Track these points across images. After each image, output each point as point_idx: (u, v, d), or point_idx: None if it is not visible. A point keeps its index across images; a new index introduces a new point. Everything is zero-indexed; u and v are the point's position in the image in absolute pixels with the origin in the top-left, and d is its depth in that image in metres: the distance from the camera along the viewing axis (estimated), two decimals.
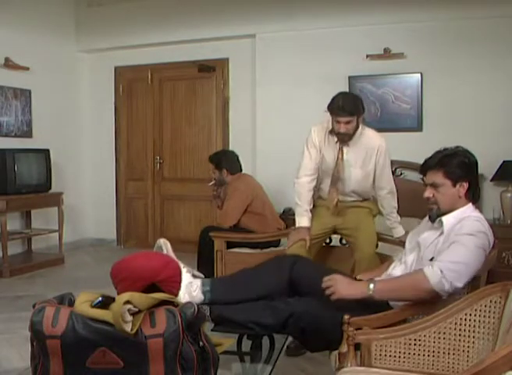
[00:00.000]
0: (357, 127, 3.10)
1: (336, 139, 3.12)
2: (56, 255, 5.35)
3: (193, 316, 1.56)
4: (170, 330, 1.52)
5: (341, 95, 3.08)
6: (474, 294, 1.87)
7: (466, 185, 2.11)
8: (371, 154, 3.13)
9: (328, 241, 3.38)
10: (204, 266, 3.83)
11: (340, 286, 1.99)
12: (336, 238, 3.39)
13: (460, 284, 1.95)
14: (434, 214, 2.16)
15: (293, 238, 3.13)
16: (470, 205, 2.14)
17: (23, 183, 4.98)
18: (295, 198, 3.24)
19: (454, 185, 2.11)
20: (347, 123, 3.01)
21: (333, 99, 3.05)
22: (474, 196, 2.16)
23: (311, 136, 3.21)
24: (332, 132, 3.13)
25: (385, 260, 2.68)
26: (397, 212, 3.25)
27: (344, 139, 3.10)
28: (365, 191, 3.23)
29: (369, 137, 3.17)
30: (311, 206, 3.22)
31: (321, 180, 3.26)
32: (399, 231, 3.21)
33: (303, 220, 3.15)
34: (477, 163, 2.16)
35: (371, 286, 2.00)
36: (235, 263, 3.52)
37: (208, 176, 5.65)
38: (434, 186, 2.14)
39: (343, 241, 3.30)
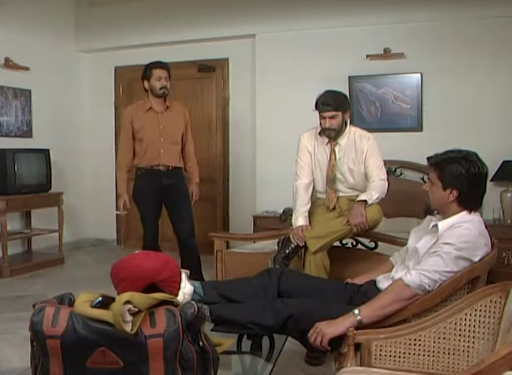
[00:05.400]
0: (343, 124, 3.19)
1: (326, 140, 3.22)
2: (56, 255, 5.35)
3: (193, 316, 1.56)
4: (170, 330, 1.52)
5: (326, 92, 3.22)
6: (474, 294, 1.88)
7: (455, 193, 2.11)
8: (361, 148, 3.21)
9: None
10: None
11: (327, 329, 1.95)
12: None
13: (436, 286, 2.04)
14: (426, 206, 2.29)
15: (294, 231, 3.14)
16: (464, 213, 2.12)
17: (23, 183, 4.98)
18: (293, 201, 3.32)
19: (444, 189, 2.13)
20: (332, 117, 3.15)
21: (319, 96, 3.19)
22: (469, 205, 2.13)
23: (302, 142, 3.35)
24: (321, 133, 3.25)
25: (382, 259, 2.68)
26: (379, 198, 3.14)
27: (330, 135, 3.22)
28: (364, 186, 3.26)
29: (358, 134, 3.27)
30: (309, 206, 3.29)
31: (317, 183, 3.34)
32: (362, 195, 3.12)
33: (299, 221, 3.20)
34: (481, 175, 2.11)
35: (357, 313, 2.00)
36: (235, 263, 3.52)
37: (207, 176, 5.65)
38: (430, 182, 2.20)
39: (343, 241, 3.30)
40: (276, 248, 3.22)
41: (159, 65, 4.04)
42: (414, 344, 1.85)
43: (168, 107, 4.08)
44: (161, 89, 3.98)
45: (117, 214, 4.23)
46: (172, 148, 4.05)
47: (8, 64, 5.19)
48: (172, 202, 4.10)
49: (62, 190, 5.43)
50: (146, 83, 4.04)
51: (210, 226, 5.58)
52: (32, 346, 1.61)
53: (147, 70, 4.03)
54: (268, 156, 5.36)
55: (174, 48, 5.69)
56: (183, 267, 4.10)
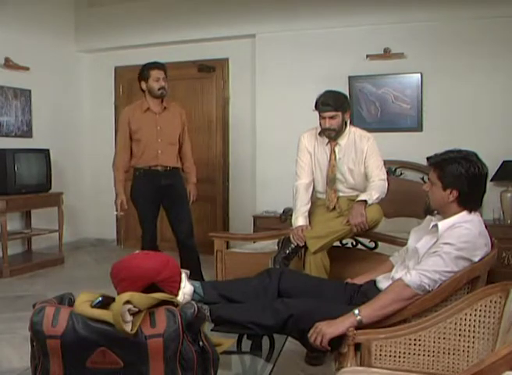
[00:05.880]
0: (343, 124, 3.19)
1: (326, 141, 3.22)
2: (56, 255, 5.35)
3: (193, 316, 1.56)
4: (170, 330, 1.52)
5: (326, 92, 3.22)
6: (474, 294, 1.88)
7: (455, 193, 2.11)
8: (361, 148, 3.21)
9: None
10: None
11: (327, 329, 1.96)
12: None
13: (436, 286, 2.04)
14: (426, 206, 2.31)
15: (294, 231, 3.15)
16: (464, 213, 2.12)
17: (23, 183, 4.98)
18: (293, 201, 3.32)
19: (444, 189, 2.13)
20: (331, 118, 3.14)
21: (319, 96, 3.19)
22: (469, 205, 2.13)
23: (302, 142, 3.35)
24: (321, 133, 3.23)
25: (382, 259, 2.68)
26: (379, 198, 3.14)
27: (330, 135, 3.22)
28: (364, 186, 3.26)
29: (358, 134, 3.27)
30: (309, 206, 3.29)
31: (317, 183, 3.34)
32: (362, 195, 3.12)
33: (299, 221, 3.20)
34: (481, 175, 2.11)
35: (356, 313, 2.00)
36: (235, 263, 3.52)
37: (207, 176, 5.65)
38: (430, 182, 2.20)
39: (343, 241, 3.30)
40: (276, 248, 3.22)
41: (156, 65, 4.03)
42: (414, 344, 1.85)
43: (165, 108, 4.07)
44: (159, 90, 3.98)
45: (116, 215, 4.21)
46: (170, 149, 4.05)
47: (8, 64, 5.19)
48: (171, 203, 4.09)
49: (62, 190, 5.43)
50: (143, 85, 4.04)
51: (210, 226, 5.58)
52: (32, 346, 1.61)
53: (144, 71, 4.03)
54: (268, 156, 5.36)
55: (174, 48, 5.69)
56: (182, 268, 4.08)
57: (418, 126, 4.90)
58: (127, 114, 4.08)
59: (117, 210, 4.12)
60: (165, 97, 4.06)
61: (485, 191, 2.16)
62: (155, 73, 3.98)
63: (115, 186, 4.10)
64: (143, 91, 4.06)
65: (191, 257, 4.08)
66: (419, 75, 4.85)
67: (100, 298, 1.58)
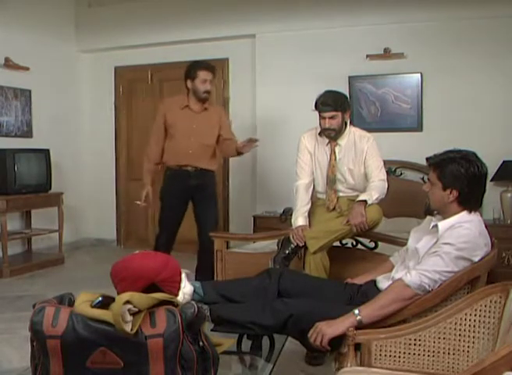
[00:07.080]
0: (342, 124, 3.20)
1: (326, 141, 3.22)
2: (56, 255, 5.35)
3: (193, 316, 1.56)
4: (170, 330, 1.52)
5: (326, 92, 3.22)
6: (474, 294, 1.88)
7: (455, 193, 2.11)
8: (361, 148, 3.21)
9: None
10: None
11: (327, 329, 1.96)
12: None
13: (436, 286, 2.05)
14: (426, 206, 2.33)
15: (294, 231, 3.14)
16: (464, 213, 2.12)
17: (23, 183, 4.98)
18: (294, 201, 3.31)
19: (444, 189, 2.13)
20: (331, 118, 3.14)
21: (318, 96, 3.19)
22: (469, 205, 2.13)
23: (302, 142, 3.35)
24: (321, 133, 3.25)
25: (382, 259, 2.68)
26: (378, 198, 3.13)
27: (330, 135, 3.22)
28: (364, 186, 3.26)
29: (357, 134, 3.27)
30: (309, 206, 3.28)
31: (317, 184, 3.35)
32: (362, 195, 3.12)
33: (299, 221, 3.19)
34: (481, 174, 2.11)
35: (356, 313, 2.00)
36: (235, 263, 3.52)
37: None
38: (430, 182, 2.20)
39: (343, 241, 3.30)
40: (276, 248, 3.22)
41: (205, 66, 3.90)
42: (414, 344, 1.85)
43: (205, 108, 3.97)
44: (204, 93, 3.87)
45: (137, 204, 4.14)
46: (202, 150, 3.94)
47: (8, 64, 5.19)
48: (198, 202, 4.02)
49: (62, 190, 5.43)
50: (189, 83, 3.89)
51: None
52: (32, 346, 1.62)
53: (191, 70, 3.88)
54: (268, 156, 5.36)
55: (174, 48, 5.70)
56: (198, 269, 4.01)
57: (418, 126, 4.90)
58: (165, 107, 4.01)
59: (140, 200, 4.07)
60: (207, 100, 3.96)
61: (484, 191, 2.16)
62: (203, 74, 3.84)
63: (143, 176, 4.09)
64: (187, 88, 3.94)
65: (208, 259, 4.01)
66: (419, 75, 4.85)
67: (100, 298, 1.58)
